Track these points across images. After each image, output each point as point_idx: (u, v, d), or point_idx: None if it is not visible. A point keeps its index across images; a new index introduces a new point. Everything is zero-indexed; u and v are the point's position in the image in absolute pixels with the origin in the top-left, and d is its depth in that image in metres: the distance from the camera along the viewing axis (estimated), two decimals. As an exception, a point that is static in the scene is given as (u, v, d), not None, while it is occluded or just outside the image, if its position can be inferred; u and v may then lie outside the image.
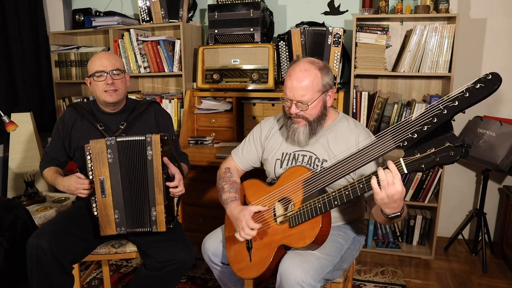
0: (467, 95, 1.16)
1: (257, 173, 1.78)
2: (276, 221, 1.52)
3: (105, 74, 1.73)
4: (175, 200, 1.78)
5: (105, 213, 1.65)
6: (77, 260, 1.70)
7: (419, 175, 2.51)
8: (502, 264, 2.56)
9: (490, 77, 1.13)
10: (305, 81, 1.48)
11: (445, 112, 1.17)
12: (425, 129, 1.19)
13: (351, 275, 1.93)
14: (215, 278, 1.84)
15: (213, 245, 1.70)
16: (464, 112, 1.18)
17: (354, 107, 2.57)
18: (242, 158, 1.79)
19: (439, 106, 1.19)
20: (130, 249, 1.78)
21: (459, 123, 2.70)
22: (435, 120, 1.18)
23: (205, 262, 1.75)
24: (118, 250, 1.77)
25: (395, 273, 2.43)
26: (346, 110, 2.64)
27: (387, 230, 2.77)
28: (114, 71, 1.74)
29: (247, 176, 1.78)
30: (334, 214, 1.54)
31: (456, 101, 1.17)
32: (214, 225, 1.87)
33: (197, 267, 2.45)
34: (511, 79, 2.62)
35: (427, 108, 1.23)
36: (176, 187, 1.67)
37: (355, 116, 2.57)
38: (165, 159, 1.65)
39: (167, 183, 1.66)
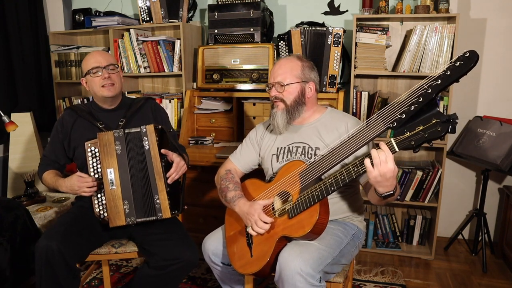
0: (449, 73, 1.24)
1: (254, 176, 1.79)
2: (275, 215, 1.54)
3: (101, 69, 1.76)
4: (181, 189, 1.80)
5: (114, 204, 1.67)
6: (81, 260, 1.71)
7: (419, 175, 2.51)
8: (502, 264, 2.56)
9: (468, 54, 1.22)
10: (284, 66, 1.64)
11: (430, 91, 1.25)
12: (412, 108, 1.25)
13: (351, 275, 1.93)
14: (215, 278, 1.84)
15: (213, 245, 1.70)
16: (447, 91, 1.29)
17: (354, 107, 2.57)
18: (241, 159, 1.82)
19: (424, 86, 1.27)
20: (131, 249, 1.78)
21: (459, 123, 2.70)
22: (421, 100, 1.25)
23: (205, 262, 1.75)
24: (118, 250, 1.77)
25: (395, 273, 2.43)
26: (346, 110, 2.63)
27: (387, 230, 2.77)
28: (110, 66, 1.78)
29: (245, 178, 1.80)
30: (333, 207, 1.56)
31: (439, 80, 1.25)
32: (214, 225, 1.87)
33: (197, 267, 2.45)
34: (511, 79, 2.62)
35: (412, 89, 1.30)
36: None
37: (355, 116, 2.57)
38: (163, 150, 1.69)
39: (167, 174, 1.69)
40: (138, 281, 1.71)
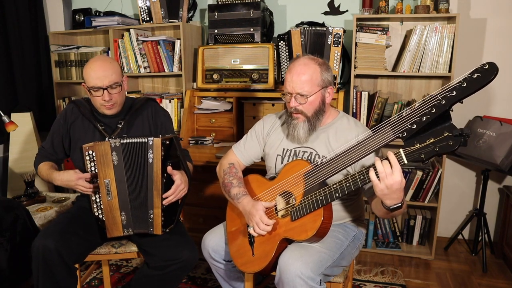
0: (465, 85, 1.18)
1: (256, 169, 1.78)
2: (278, 215, 1.53)
3: (102, 90, 1.67)
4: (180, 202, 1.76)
5: (111, 215, 1.65)
6: (79, 260, 1.70)
7: (419, 175, 2.51)
8: (502, 264, 2.56)
9: (487, 66, 1.17)
10: (304, 75, 1.51)
11: (443, 102, 1.19)
12: (424, 119, 1.20)
13: (351, 275, 1.93)
14: (215, 278, 1.83)
15: (213, 241, 1.70)
16: (462, 102, 1.20)
17: (354, 107, 2.57)
18: (244, 152, 1.79)
19: (438, 97, 1.21)
20: (130, 249, 1.78)
21: (459, 123, 2.70)
22: (434, 111, 1.19)
23: (205, 262, 1.75)
24: (118, 250, 1.77)
25: (395, 273, 2.43)
26: (346, 110, 2.63)
27: (387, 230, 2.77)
28: (112, 85, 1.68)
29: (246, 171, 1.79)
30: (334, 213, 1.55)
31: (454, 91, 1.19)
32: (214, 225, 1.87)
33: (197, 267, 2.45)
34: (511, 79, 2.62)
35: (425, 98, 1.24)
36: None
37: (355, 116, 2.57)
38: (169, 168, 1.63)
39: (164, 195, 1.64)
40: (138, 281, 1.71)
